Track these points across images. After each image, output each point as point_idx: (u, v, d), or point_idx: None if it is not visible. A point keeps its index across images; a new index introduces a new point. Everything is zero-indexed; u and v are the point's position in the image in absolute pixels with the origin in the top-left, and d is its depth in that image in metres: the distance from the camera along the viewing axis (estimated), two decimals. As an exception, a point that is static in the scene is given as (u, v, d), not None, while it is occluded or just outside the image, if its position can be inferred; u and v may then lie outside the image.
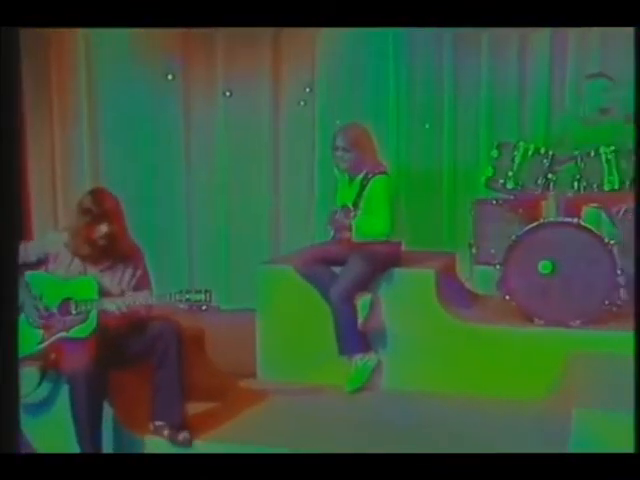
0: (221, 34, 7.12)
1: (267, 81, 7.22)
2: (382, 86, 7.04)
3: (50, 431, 3.88)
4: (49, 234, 4.10)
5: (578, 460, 3.17)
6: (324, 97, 7.20)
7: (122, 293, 3.80)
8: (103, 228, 3.74)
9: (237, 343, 5.26)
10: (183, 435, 3.75)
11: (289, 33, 7.04)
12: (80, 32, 6.87)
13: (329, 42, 7.11)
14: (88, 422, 3.61)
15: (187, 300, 3.70)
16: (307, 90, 7.21)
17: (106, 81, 7.07)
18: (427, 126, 7.00)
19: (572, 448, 3.52)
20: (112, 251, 3.81)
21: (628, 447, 3.32)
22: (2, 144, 2.88)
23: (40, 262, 3.81)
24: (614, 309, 4.92)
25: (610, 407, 3.66)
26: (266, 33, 7.05)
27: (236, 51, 7.16)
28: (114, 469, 3.17)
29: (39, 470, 2.99)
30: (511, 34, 6.70)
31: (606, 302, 4.82)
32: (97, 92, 7.11)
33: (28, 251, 3.76)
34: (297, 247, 5.92)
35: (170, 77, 7.19)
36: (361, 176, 4.85)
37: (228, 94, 7.25)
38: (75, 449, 3.69)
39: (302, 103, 7.26)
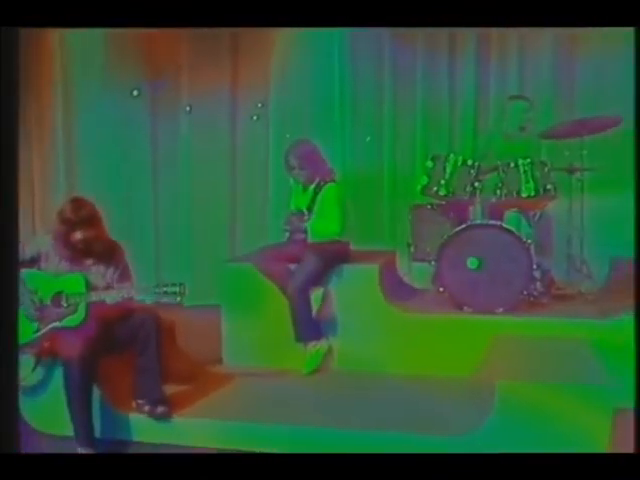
0: (185, 50, 7.25)
1: (225, 96, 7.36)
2: (328, 101, 7.20)
3: (45, 410, 4.02)
4: (39, 236, 4.25)
5: (578, 460, 3.11)
6: (276, 112, 7.35)
7: (108, 286, 3.96)
8: (79, 234, 3.88)
9: (204, 334, 5.35)
10: (161, 409, 3.95)
11: (245, 51, 7.23)
12: (56, 47, 6.96)
13: (281, 60, 7.28)
14: (80, 402, 3.77)
15: (165, 292, 3.88)
16: (259, 105, 7.36)
17: (80, 95, 7.15)
18: (368, 139, 7.17)
19: (496, 414, 3.73)
20: (92, 251, 3.97)
21: (543, 412, 3.66)
22: (2, 145, 2.90)
23: (33, 261, 3.96)
24: (531, 299, 5.21)
25: (526, 379, 3.89)
26: (225, 50, 7.21)
27: (198, 68, 7.26)
28: (114, 469, 3.14)
29: (39, 470, 2.98)
30: (442, 56, 6.97)
31: (524, 292, 5.06)
32: (71, 105, 7.17)
33: (23, 251, 3.88)
34: (253, 247, 5.97)
35: (135, 93, 7.27)
36: (314, 184, 5.05)
37: (188, 109, 7.37)
38: (68, 426, 3.83)
39: (255, 117, 7.40)
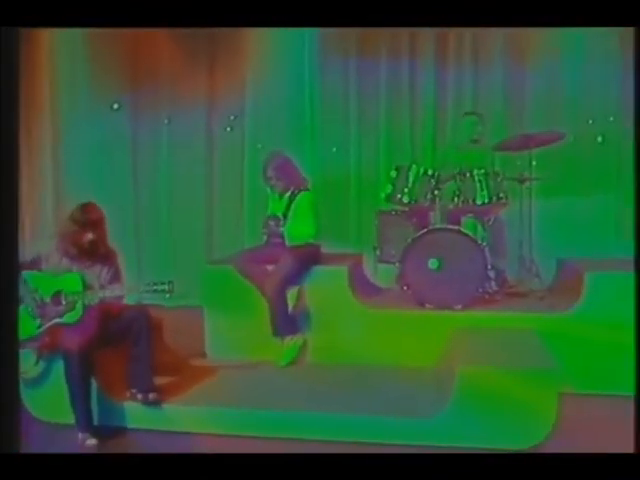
0: (164, 63, 7.39)
1: (201, 109, 7.52)
2: (299, 115, 7.38)
3: (46, 400, 4.15)
4: (40, 240, 4.39)
5: (578, 460, 3.02)
6: (250, 124, 7.49)
7: (101, 286, 4.09)
8: (89, 235, 4.08)
9: (189, 331, 5.45)
10: (153, 396, 4.10)
11: (221, 66, 7.41)
12: (45, 58, 7.06)
13: (255, 75, 7.45)
14: (80, 392, 3.93)
15: (155, 290, 4.05)
16: (232, 118, 7.52)
17: (66, 108, 7.25)
18: (334, 149, 7.36)
19: (457, 397, 3.92)
20: (94, 253, 4.14)
21: (498, 394, 3.86)
22: (2, 148, 2.88)
23: (34, 262, 4.09)
24: (486, 296, 5.40)
25: (483, 366, 4.07)
26: (203, 63, 7.38)
27: (176, 82, 7.40)
28: (114, 468, 3.12)
29: (39, 470, 2.95)
30: (403, 74, 7.19)
31: (480, 290, 5.25)
32: (58, 117, 7.26)
33: (24, 254, 4.00)
34: (229, 250, 6.12)
35: (116, 106, 7.39)
36: (289, 193, 5.22)
37: (167, 121, 7.52)
38: (67, 415, 3.98)
39: (228, 129, 7.56)
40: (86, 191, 6.74)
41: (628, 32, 6.50)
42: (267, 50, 7.38)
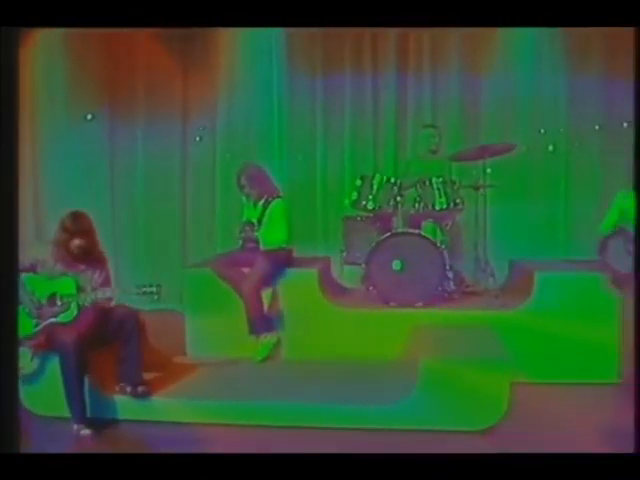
0: (141, 76, 7.60)
1: (174, 119, 7.75)
2: (268, 126, 7.65)
3: (40, 395, 4.37)
4: (36, 245, 4.60)
5: (578, 460, 3.00)
6: (220, 134, 7.73)
7: (93, 289, 4.32)
8: (77, 242, 4.32)
9: (171, 331, 5.67)
10: (142, 389, 4.36)
11: (195, 78, 7.65)
12: (28, 65, 7.12)
13: (226, 88, 7.71)
14: (74, 386, 4.16)
15: (144, 292, 4.30)
16: (201, 128, 7.76)
17: (44, 120, 7.44)
18: (300, 158, 7.62)
19: (420, 386, 4.24)
20: (85, 258, 4.38)
21: (456, 382, 4.17)
22: (2, 152, 2.95)
23: (31, 266, 4.33)
24: (445, 294, 5.69)
25: (443, 358, 4.38)
26: (176, 76, 7.61)
27: (150, 93, 7.63)
28: (113, 468, 3.12)
29: (39, 470, 2.95)
30: (366, 89, 7.51)
31: (440, 289, 5.54)
32: (37, 125, 7.43)
33: (22, 259, 4.15)
34: (202, 255, 6.41)
35: (89, 117, 7.59)
36: (263, 200, 5.48)
37: (139, 132, 7.75)
38: (60, 408, 4.21)
39: (198, 138, 7.79)
40: (64, 200, 6.92)
41: (578, 44, 7.00)
42: (238, 64, 7.64)
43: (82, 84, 7.46)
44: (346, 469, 3.08)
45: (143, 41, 7.50)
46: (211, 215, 7.78)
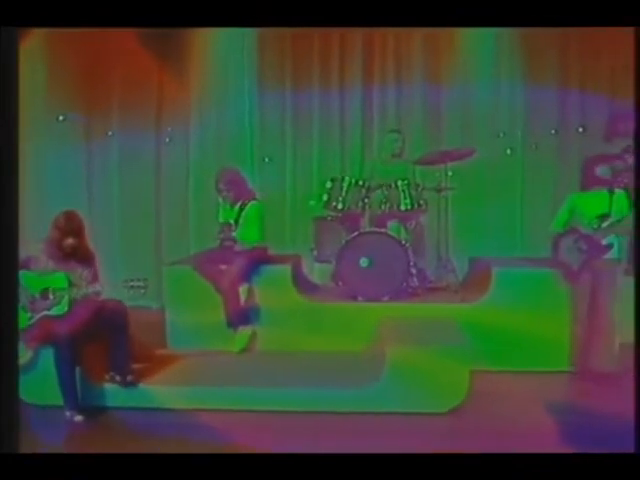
0: (118, 78, 7.75)
1: (148, 121, 7.92)
2: (240, 132, 7.87)
3: (34, 385, 4.58)
4: (28, 244, 4.76)
5: (578, 460, 3.01)
6: (194, 135, 7.95)
7: (83, 284, 4.58)
8: (69, 240, 4.62)
9: (150, 326, 5.90)
10: (130, 378, 4.66)
11: (169, 80, 7.82)
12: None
13: (200, 87, 7.91)
14: (67, 375, 4.46)
15: (131, 287, 4.60)
16: (170, 129, 7.95)
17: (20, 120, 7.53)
18: (266, 160, 7.85)
19: (387, 372, 4.58)
20: (76, 255, 4.66)
21: (421, 369, 4.51)
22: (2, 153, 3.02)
23: (24, 263, 4.57)
24: (410, 290, 6.01)
25: (408, 347, 4.70)
26: (152, 74, 7.77)
27: (125, 98, 7.80)
28: (114, 468, 3.16)
29: (39, 470, 3.00)
30: (334, 96, 7.79)
31: (404, 285, 5.85)
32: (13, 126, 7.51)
33: None
34: (176, 254, 6.66)
35: (61, 118, 7.71)
36: (239, 202, 5.75)
37: (110, 133, 7.90)
38: (51, 397, 4.49)
39: (167, 139, 7.98)
40: (42, 200, 7.15)
41: (536, 51, 7.40)
42: (211, 65, 7.87)
43: (56, 84, 7.55)
44: (344, 469, 3.13)
45: (118, 41, 7.60)
46: (184, 215, 7.98)
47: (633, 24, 3.26)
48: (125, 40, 7.55)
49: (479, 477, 2.96)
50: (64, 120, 7.78)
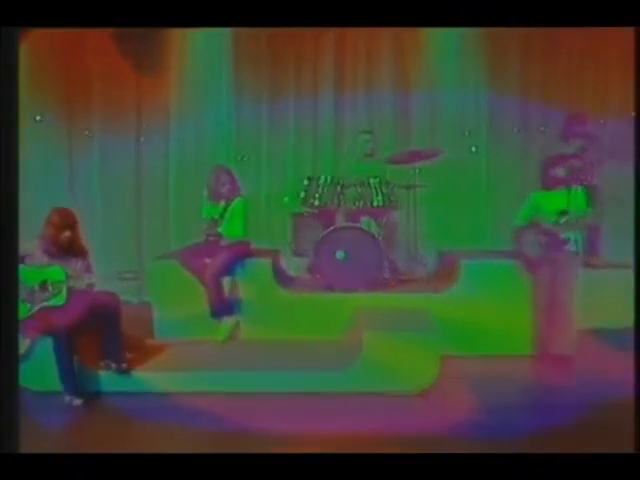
0: (96, 78, 7.91)
1: (128, 121, 8.12)
2: (220, 133, 8.10)
3: (32, 372, 4.81)
4: (26, 241, 5.06)
5: (578, 460, 2.99)
6: (173, 133, 8.13)
7: (78, 277, 4.86)
8: (67, 233, 4.88)
9: (139, 315, 6.14)
10: (125, 365, 4.95)
11: (148, 86, 8.00)
12: None
13: (179, 86, 8.12)
14: (66, 361, 4.74)
15: (125, 278, 4.90)
16: (145, 125, 8.13)
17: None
18: (244, 158, 8.07)
19: (364, 355, 4.87)
20: (71, 249, 4.93)
21: (395, 353, 4.84)
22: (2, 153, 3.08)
23: (23, 258, 4.82)
24: (383, 281, 6.28)
25: (383, 333, 4.99)
26: (130, 74, 7.92)
27: (104, 98, 7.99)
28: (113, 468, 3.17)
29: (39, 470, 3.00)
30: (308, 98, 8.04)
31: (378, 277, 6.12)
32: None
33: None
34: (158, 250, 6.88)
35: (38, 118, 7.88)
36: (225, 199, 5.99)
37: (87, 132, 8.10)
38: (47, 384, 4.76)
39: (142, 139, 8.16)
40: (27, 200, 7.16)
41: (500, 51, 7.74)
42: (188, 65, 8.09)
43: (34, 84, 7.60)
44: (343, 469, 3.15)
45: (95, 40, 7.80)
46: (165, 212, 8.18)
47: (633, 24, 3.27)
48: (103, 40, 7.73)
49: (479, 477, 2.98)
50: (41, 120, 7.93)
